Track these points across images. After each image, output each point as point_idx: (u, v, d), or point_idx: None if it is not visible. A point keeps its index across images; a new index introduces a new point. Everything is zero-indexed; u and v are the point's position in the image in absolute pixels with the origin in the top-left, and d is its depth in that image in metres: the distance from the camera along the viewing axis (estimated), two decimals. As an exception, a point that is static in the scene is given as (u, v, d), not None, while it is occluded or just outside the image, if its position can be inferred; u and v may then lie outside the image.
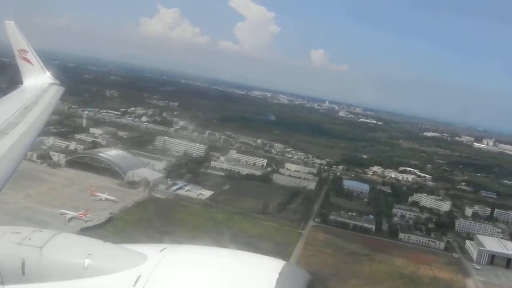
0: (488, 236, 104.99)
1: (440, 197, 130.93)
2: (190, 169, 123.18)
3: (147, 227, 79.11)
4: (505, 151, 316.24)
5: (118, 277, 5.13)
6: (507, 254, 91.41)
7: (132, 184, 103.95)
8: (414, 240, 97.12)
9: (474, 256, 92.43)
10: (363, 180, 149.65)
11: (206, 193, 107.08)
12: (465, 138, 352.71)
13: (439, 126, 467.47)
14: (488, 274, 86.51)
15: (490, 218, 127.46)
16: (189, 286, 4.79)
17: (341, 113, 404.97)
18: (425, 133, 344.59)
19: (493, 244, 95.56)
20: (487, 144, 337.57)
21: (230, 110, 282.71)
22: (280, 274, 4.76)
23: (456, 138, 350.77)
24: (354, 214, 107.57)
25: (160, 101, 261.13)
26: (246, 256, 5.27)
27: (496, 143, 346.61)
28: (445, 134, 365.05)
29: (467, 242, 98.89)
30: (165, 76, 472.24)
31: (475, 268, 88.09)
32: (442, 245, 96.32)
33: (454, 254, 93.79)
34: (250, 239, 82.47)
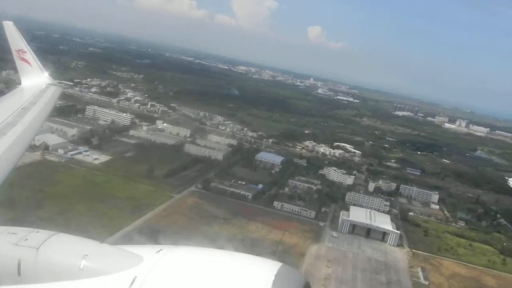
0: (365, 208, 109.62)
1: (345, 172, 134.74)
2: (102, 136, 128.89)
3: (15, 183, 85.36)
4: (474, 132, 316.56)
5: (114, 278, 5.15)
6: (367, 224, 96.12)
7: (31, 148, 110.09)
8: (287, 208, 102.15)
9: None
10: (289, 154, 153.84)
11: (103, 159, 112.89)
12: (438, 119, 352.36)
13: (424, 106, 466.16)
14: (340, 241, 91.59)
15: (393, 193, 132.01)
16: (185, 287, 4.81)
17: (320, 90, 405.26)
18: (396, 112, 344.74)
19: (359, 215, 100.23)
20: (459, 125, 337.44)
21: (197, 84, 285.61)
22: (276, 275, 4.80)
23: (429, 118, 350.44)
24: (242, 182, 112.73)
25: (125, 73, 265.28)
26: (243, 257, 5.34)
27: (470, 124, 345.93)
28: (420, 114, 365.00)
29: (341, 212, 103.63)
30: (150, 49, 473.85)
31: (332, 236, 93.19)
32: (313, 214, 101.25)
33: (320, 223, 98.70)
34: (113, 199, 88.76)
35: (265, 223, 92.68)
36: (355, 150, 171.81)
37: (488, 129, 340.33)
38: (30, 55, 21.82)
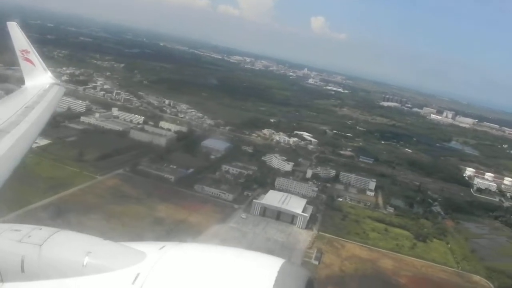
0: (292, 193, 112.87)
1: (286, 158, 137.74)
2: (51, 122, 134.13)
3: None
4: (459, 124, 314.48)
5: (117, 275, 5.21)
6: (277, 208, 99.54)
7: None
8: (207, 191, 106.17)
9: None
10: (240, 141, 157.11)
11: (42, 143, 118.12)
12: (426, 110, 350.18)
13: (419, 97, 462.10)
14: (247, 223, 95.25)
15: (331, 179, 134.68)
16: (188, 284, 4.86)
17: (311, 80, 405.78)
18: (382, 103, 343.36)
19: (274, 198, 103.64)
20: (445, 116, 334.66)
21: (178, 73, 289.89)
22: (279, 272, 4.83)
23: (416, 109, 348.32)
24: (173, 167, 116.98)
25: (106, 62, 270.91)
26: (246, 254, 5.39)
27: (458, 116, 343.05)
28: (408, 105, 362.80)
29: (261, 197, 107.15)
30: (145, 39, 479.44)
31: (241, 217, 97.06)
32: (231, 197, 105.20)
33: (235, 205, 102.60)
34: (33, 179, 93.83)
35: (177, 204, 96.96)
36: (311, 139, 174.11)
37: (476, 120, 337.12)
38: (33, 55, 22.22)
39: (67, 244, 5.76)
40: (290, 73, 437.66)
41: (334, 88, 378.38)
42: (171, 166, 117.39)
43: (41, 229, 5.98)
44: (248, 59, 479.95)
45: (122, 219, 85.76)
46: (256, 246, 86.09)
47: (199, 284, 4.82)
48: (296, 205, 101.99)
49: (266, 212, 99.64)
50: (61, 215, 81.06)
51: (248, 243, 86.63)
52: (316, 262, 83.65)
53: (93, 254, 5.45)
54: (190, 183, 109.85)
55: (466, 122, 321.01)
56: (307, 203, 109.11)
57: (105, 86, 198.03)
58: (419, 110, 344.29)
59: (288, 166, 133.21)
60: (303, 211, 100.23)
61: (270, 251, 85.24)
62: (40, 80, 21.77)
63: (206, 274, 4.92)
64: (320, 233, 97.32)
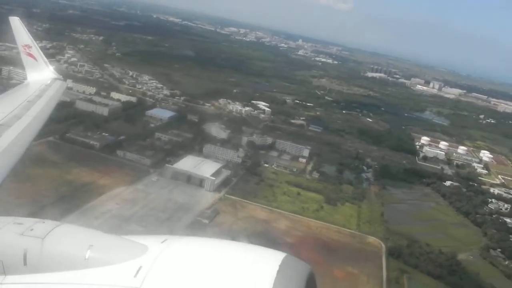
0: (216, 158, 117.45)
1: (224, 127, 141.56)
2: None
3: None
4: (444, 94, 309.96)
5: (119, 268, 5.30)
6: (187, 172, 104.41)
7: None
8: (128, 157, 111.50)
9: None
10: (188, 111, 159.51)
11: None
12: (413, 81, 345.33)
13: (415, 68, 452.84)
14: (155, 185, 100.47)
15: (267, 147, 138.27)
16: (189, 277, 4.94)
17: (301, 52, 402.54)
18: (367, 74, 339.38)
19: (188, 163, 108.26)
20: (432, 87, 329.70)
21: (158, 45, 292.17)
22: (280, 265, 4.93)
23: (402, 80, 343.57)
24: (105, 134, 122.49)
25: (85, 35, 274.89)
26: (247, 247, 5.52)
27: (446, 86, 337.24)
28: (396, 76, 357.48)
29: (178, 161, 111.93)
30: (139, 11, 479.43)
31: (151, 180, 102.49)
32: (149, 162, 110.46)
33: (151, 170, 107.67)
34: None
35: (93, 168, 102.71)
36: (265, 108, 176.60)
37: (464, 91, 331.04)
38: (36, 50, 22.60)
39: (69, 237, 5.87)
40: (282, 45, 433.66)
41: (323, 59, 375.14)
42: (102, 134, 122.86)
43: (43, 222, 6.08)
44: (242, 31, 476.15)
45: (35, 181, 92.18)
46: (153, 205, 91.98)
47: (201, 277, 4.93)
48: (208, 169, 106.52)
49: (178, 176, 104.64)
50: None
51: (146, 203, 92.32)
52: (207, 221, 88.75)
53: (95, 247, 5.56)
54: (115, 149, 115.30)
55: (452, 92, 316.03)
56: (229, 168, 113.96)
57: (72, 59, 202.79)
58: (405, 81, 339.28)
59: (224, 134, 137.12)
60: (214, 175, 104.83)
61: (166, 210, 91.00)
62: (42, 75, 22.11)
63: (207, 268, 5.04)
64: (226, 195, 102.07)
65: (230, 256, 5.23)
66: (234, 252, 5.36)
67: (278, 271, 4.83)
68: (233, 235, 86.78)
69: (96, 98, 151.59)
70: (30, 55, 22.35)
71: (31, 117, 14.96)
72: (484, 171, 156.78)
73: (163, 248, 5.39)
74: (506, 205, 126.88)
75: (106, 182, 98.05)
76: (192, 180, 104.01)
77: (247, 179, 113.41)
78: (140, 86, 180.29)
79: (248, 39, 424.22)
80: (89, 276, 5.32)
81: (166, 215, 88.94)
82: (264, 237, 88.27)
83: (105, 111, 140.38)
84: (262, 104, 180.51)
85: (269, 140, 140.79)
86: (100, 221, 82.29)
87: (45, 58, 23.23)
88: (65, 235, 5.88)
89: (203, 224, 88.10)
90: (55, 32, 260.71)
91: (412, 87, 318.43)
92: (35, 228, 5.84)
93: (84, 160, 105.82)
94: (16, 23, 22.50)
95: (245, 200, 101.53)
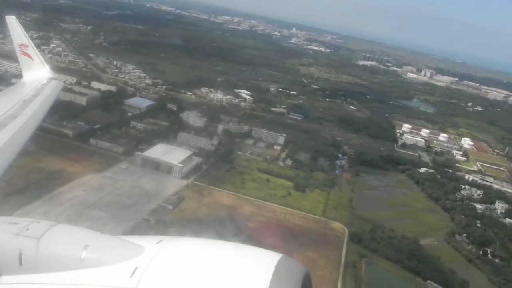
0: (189, 146, 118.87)
1: (201, 115, 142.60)
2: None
3: None
4: (435, 82, 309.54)
5: (114, 269, 5.29)
6: (156, 159, 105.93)
7: None
8: (100, 145, 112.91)
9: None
10: (168, 100, 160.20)
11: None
12: (405, 69, 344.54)
13: (410, 56, 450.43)
14: (124, 173, 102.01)
15: (243, 134, 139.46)
16: (185, 278, 4.94)
17: (293, 40, 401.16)
18: (359, 62, 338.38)
19: (159, 151, 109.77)
20: (423, 75, 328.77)
21: (146, 34, 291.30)
22: (276, 266, 4.94)
23: (393, 68, 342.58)
24: (80, 123, 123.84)
25: (73, 25, 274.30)
26: (243, 248, 5.51)
27: (438, 74, 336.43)
28: (388, 64, 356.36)
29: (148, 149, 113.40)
30: (132, 0, 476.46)
31: (121, 168, 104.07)
32: (121, 150, 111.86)
33: (121, 158, 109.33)
34: None
35: (63, 156, 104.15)
36: (247, 97, 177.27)
37: (456, 79, 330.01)
38: (32, 50, 22.70)
39: (65, 237, 5.85)
40: (276, 33, 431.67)
41: (315, 48, 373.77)
42: (77, 123, 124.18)
43: (39, 222, 6.05)
44: (236, 19, 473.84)
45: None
46: (120, 192, 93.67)
47: (197, 278, 4.93)
48: (177, 157, 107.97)
49: (147, 164, 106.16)
50: None
51: (112, 189, 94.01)
52: (171, 207, 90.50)
53: (91, 247, 5.55)
54: (88, 137, 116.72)
55: (443, 80, 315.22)
56: (201, 156, 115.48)
57: (57, 49, 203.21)
58: (397, 69, 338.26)
59: (200, 122, 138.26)
60: (183, 163, 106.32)
61: (132, 196, 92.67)
62: (38, 74, 22.16)
63: (203, 268, 5.05)
64: (194, 182, 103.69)
65: (226, 257, 5.26)
66: (230, 253, 5.40)
67: (274, 272, 4.85)
68: (196, 221, 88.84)
69: (76, 88, 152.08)
70: (26, 54, 22.46)
71: (26, 117, 15.07)
72: (463, 158, 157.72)
73: (159, 249, 5.42)
74: (478, 191, 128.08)
75: (75, 169, 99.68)
76: (161, 168, 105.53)
77: (218, 167, 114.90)
78: (122, 76, 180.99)
79: (241, 28, 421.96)
80: (84, 276, 5.32)
81: (131, 201, 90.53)
82: (226, 222, 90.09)
83: (83, 101, 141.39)
84: (244, 93, 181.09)
85: (245, 128, 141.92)
86: (64, 207, 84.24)
87: (41, 58, 23.45)
88: (61, 235, 5.84)
89: (167, 210, 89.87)
90: (43, 22, 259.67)
91: (403, 75, 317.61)
92: (30, 228, 5.81)
93: (56, 149, 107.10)
94: (13, 22, 22.47)
95: (213, 186, 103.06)
